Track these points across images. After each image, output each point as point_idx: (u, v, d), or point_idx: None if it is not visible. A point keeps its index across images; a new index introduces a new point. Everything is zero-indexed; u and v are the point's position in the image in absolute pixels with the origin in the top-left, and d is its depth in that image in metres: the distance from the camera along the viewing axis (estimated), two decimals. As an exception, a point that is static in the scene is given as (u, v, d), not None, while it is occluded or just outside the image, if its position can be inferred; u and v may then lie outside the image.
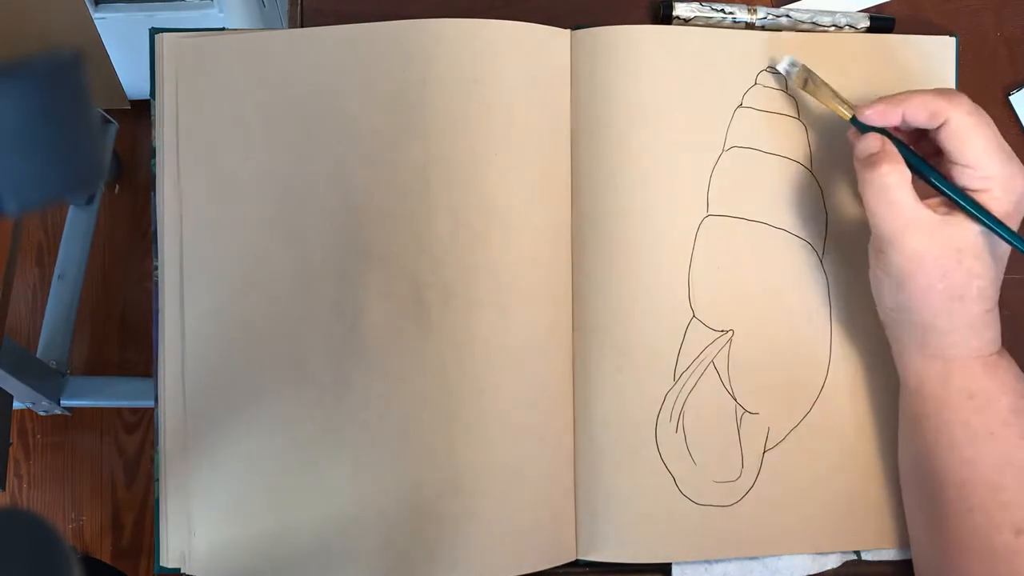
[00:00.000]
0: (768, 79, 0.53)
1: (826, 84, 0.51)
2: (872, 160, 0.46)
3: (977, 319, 0.47)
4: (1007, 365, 0.48)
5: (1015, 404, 0.47)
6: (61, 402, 1.19)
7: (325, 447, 0.51)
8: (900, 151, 0.47)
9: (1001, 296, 0.47)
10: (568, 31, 0.53)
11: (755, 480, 0.52)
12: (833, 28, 0.55)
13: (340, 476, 0.51)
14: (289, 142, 0.52)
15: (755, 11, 0.55)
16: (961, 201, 0.46)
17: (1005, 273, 0.47)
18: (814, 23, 0.55)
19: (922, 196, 0.46)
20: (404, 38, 0.51)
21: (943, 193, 0.46)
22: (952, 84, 0.55)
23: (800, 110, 0.54)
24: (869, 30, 0.55)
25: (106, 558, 1.33)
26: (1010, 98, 0.57)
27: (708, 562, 0.52)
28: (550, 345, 0.52)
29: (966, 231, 0.45)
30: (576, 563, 0.52)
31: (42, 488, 1.35)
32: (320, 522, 0.51)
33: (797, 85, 0.52)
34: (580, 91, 0.53)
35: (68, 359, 1.23)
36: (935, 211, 0.46)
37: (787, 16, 0.55)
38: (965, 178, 0.46)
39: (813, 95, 0.51)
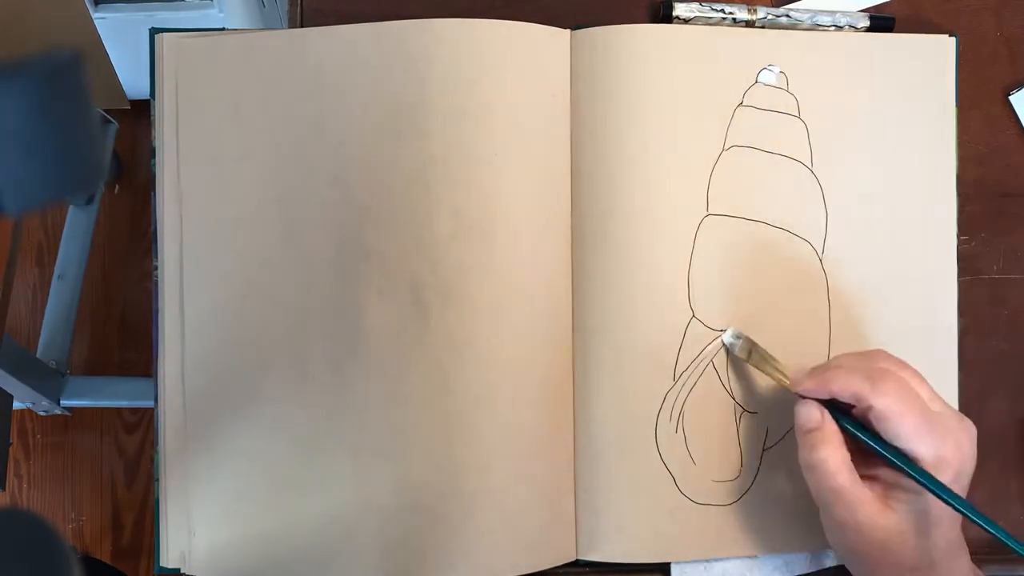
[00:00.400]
0: (768, 78, 0.53)
1: (769, 357, 0.50)
2: (810, 441, 0.46)
3: None
4: None
5: None
6: (61, 402, 1.19)
7: (325, 447, 0.51)
8: (842, 422, 0.46)
9: (1001, 296, 0.47)
10: (568, 31, 0.53)
11: (754, 479, 0.52)
12: (833, 28, 0.55)
13: (340, 476, 0.51)
14: (289, 142, 0.52)
15: (755, 11, 0.55)
16: (911, 472, 0.44)
17: (1005, 273, 0.47)
18: (814, 22, 0.55)
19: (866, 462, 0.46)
20: (404, 38, 0.51)
21: (890, 462, 0.45)
22: (952, 84, 0.55)
23: (801, 109, 0.54)
24: (869, 30, 0.55)
25: (106, 558, 1.33)
26: (1010, 98, 0.57)
27: (707, 561, 0.52)
28: (550, 345, 0.52)
29: (909, 513, 0.45)
30: (576, 563, 0.52)
31: (42, 488, 1.35)
32: (320, 522, 0.51)
33: (741, 356, 0.51)
34: (580, 91, 0.53)
35: (68, 359, 1.23)
36: (874, 489, 0.45)
37: (787, 16, 0.55)
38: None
39: (756, 366, 0.51)
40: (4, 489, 1.18)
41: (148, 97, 0.53)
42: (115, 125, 1.28)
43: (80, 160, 0.31)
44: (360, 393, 0.51)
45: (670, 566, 0.52)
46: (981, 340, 0.51)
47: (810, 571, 0.53)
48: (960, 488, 0.45)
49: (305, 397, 0.51)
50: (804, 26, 0.55)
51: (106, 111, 1.25)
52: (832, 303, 0.53)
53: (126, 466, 1.36)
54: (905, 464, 0.44)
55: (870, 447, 0.46)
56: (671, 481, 0.52)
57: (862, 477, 0.46)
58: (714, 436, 0.52)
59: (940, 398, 0.46)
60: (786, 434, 0.53)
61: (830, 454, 0.45)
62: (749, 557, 0.53)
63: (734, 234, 0.53)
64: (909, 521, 0.45)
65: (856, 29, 0.55)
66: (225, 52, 0.53)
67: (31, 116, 0.29)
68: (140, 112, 0.57)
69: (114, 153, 1.35)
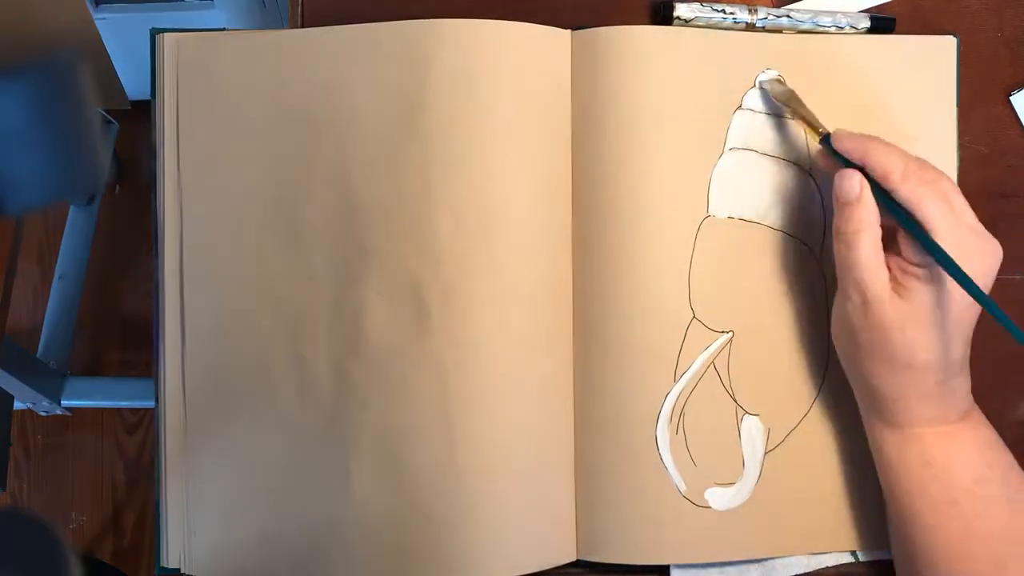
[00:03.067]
0: (767, 81, 0.53)
1: (803, 105, 0.51)
2: (848, 214, 0.46)
3: (929, 389, 0.46)
4: (971, 433, 0.47)
5: (979, 473, 0.47)
6: (61, 402, 1.19)
7: (325, 447, 0.51)
8: (876, 193, 0.46)
9: (1001, 296, 0.47)
10: (568, 31, 0.53)
11: (756, 482, 0.52)
12: (834, 28, 0.55)
13: (340, 476, 0.51)
14: (289, 142, 0.52)
15: (756, 11, 0.55)
16: (937, 255, 0.44)
17: (1005, 273, 0.47)
18: (815, 23, 0.55)
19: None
20: (404, 38, 0.51)
21: (917, 242, 0.45)
22: (953, 84, 0.55)
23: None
24: (870, 30, 0.55)
25: (107, 558, 1.33)
26: (1011, 98, 0.57)
27: (707, 566, 0.52)
28: (550, 345, 0.52)
29: (912, 303, 0.45)
30: (576, 563, 0.52)
31: (42, 488, 1.35)
32: (320, 522, 0.51)
33: (780, 99, 0.52)
34: (580, 91, 0.52)
35: (68, 359, 1.23)
36: (892, 279, 0.46)
37: (787, 16, 0.55)
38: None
39: (792, 107, 0.51)
40: (4, 489, 1.18)
41: (148, 97, 0.53)
42: (115, 125, 1.28)
43: (81, 160, 0.31)
44: (360, 393, 0.51)
45: (669, 568, 0.52)
46: (981, 340, 0.51)
47: (807, 571, 0.53)
48: (968, 299, 0.45)
49: (305, 397, 0.51)
50: (805, 27, 0.55)
51: (106, 111, 1.25)
52: (830, 304, 0.53)
53: (126, 466, 1.36)
54: (926, 240, 0.44)
55: (897, 218, 0.45)
56: (671, 483, 0.51)
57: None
58: (715, 438, 0.52)
59: (971, 213, 0.46)
60: (787, 437, 0.53)
61: (866, 229, 0.45)
62: (748, 561, 0.53)
63: (734, 236, 0.53)
64: (916, 310, 0.45)
65: (857, 30, 0.55)
66: (225, 52, 0.53)
67: (32, 116, 0.29)
68: (140, 112, 0.57)
69: (114, 153, 1.35)
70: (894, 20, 0.56)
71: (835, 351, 0.52)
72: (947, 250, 0.43)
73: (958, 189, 0.46)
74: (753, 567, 0.53)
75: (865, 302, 0.46)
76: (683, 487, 0.52)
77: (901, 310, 0.45)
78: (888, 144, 0.47)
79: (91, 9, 1.14)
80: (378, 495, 0.51)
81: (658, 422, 0.51)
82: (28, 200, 0.30)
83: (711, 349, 0.52)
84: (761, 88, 0.53)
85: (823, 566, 0.53)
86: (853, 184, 0.46)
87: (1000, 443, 0.48)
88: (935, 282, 0.45)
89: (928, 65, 0.55)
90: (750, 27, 0.55)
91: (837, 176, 0.47)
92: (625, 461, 0.51)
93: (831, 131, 0.49)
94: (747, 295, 0.53)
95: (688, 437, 0.52)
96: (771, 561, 0.53)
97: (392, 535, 0.51)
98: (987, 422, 0.49)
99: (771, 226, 0.53)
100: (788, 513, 0.52)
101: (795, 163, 0.54)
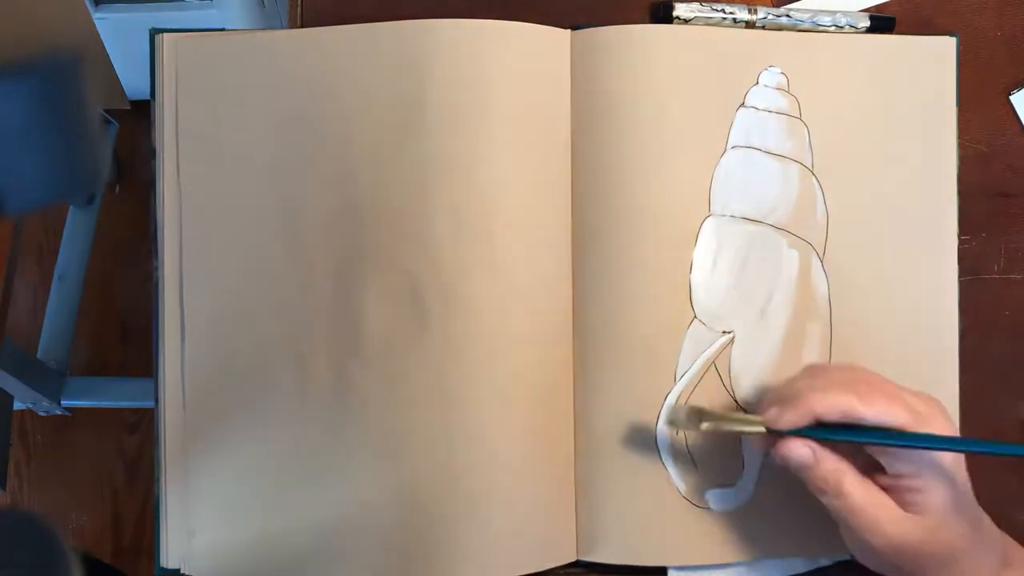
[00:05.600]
0: (769, 79, 0.53)
1: (724, 415, 0.49)
2: (818, 478, 0.44)
3: (973, 561, 0.45)
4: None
5: None
6: (62, 402, 1.19)
7: (325, 447, 0.51)
8: (827, 437, 0.45)
9: (1002, 296, 0.47)
10: (568, 31, 0.53)
11: (755, 483, 0.52)
12: (833, 28, 0.55)
13: (340, 476, 0.51)
14: (289, 142, 0.52)
15: (755, 11, 0.55)
16: (909, 442, 0.43)
17: (1006, 273, 0.47)
18: (814, 23, 0.55)
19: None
20: (404, 38, 0.51)
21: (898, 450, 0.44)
22: (953, 84, 0.55)
23: (802, 110, 0.54)
24: (869, 30, 0.55)
25: (107, 558, 1.33)
26: (1011, 98, 0.57)
27: (704, 567, 0.52)
28: (550, 345, 0.52)
29: (930, 512, 0.44)
30: (576, 563, 0.52)
31: (43, 489, 1.35)
32: (320, 522, 0.51)
33: (691, 428, 0.49)
34: (580, 91, 0.52)
35: (68, 359, 1.23)
36: (896, 499, 0.44)
37: (787, 16, 0.55)
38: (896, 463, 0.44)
39: (717, 429, 0.47)
40: (4, 489, 1.18)
41: (148, 97, 0.53)
42: (115, 125, 1.28)
43: (80, 160, 0.31)
44: (360, 393, 0.51)
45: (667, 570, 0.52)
46: (982, 340, 0.51)
47: (808, 570, 0.53)
48: (964, 467, 0.44)
49: (305, 397, 0.51)
50: (804, 26, 0.55)
51: (106, 111, 1.25)
52: (833, 304, 0.53)
53: (127, 466, 1.35)
54: (898, 437, 0.43)
55: (867, 442, 0.44)
56: (672, 484, 0.51)
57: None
58: (715, 438, 0.52)
59: (906, 388, 0.45)
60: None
61: (842, 478, 0.44)
62: (747, 563, 0.53)
63: (736, 235, 0.53)
64: (937, 515, 0.44)
65: (856, 29, 0.55)
66: (225, 52, 0.53)
67: (32, 116, 0.29)
68: (140, 112, 0.57)
69: (114, 154, 1.35)
70: (894, 20, 0.56)
71: (835, 351, 0.53)
72: (917, 430, 0.43)
73: (867, 370, 0.46)
74: (753, 568, 0.53)
75: (887, 538, 0.44)
76: (683, 488, 0.52)
77: (924, 524, 0.44)
78: (820, 387, 0.45)
79: (91, 9, 1.14)
80: (378, 495, 0.51)
81: (658, 423, 0.51)
82: (27, 200, 0.30)
83: (712, 350, 0.52)
84: (670, 422, 0.51)
85: (819, 564, 0.53)
86: (802, 452, 0.44)
87: None
88: (935, 474, 0.44)
89: (928, 65, 0.55)
90: (750, 26, 0.55)
91: (781, 449, 0.45)
92: (625, 462, 0.51)
93: (764, 423, 0.46)
94: (748, 295, 0.53)
95: (689, 438, 0.52)
96: (772, 563, 0.53)
97: (392, 535, 0.51)
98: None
99: (773, 225, 0.53)
100: (788, 515, 0.52)
101: (798, 161, 0.54)
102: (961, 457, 0.45)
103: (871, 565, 0.47)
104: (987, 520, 0.47)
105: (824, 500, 0.45)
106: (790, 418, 0.45)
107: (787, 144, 0.53)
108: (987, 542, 0.46)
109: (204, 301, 0.52)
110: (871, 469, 0.45)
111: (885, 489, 0.45)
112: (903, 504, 0.44)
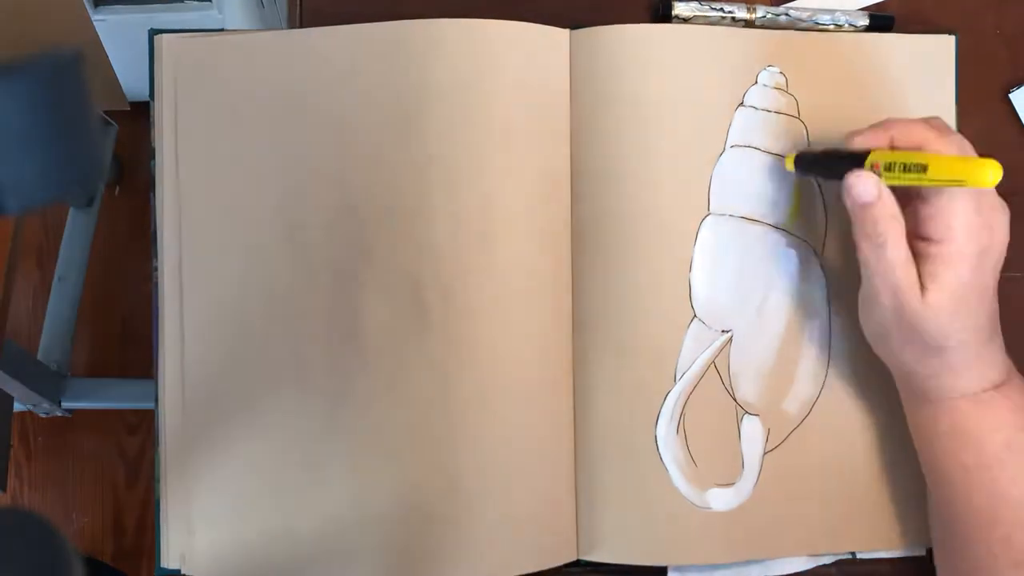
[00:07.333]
0: (768, 78, 0.53)
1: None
2: (871, 215, 0.45)
3: (961, 363, 0.46)
4: (1002, 400, 0.47)
5: (1010, 439, 0.47)
6: (62, 404, 1.19)
7: (325, 447, 0.51)
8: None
9: (1002, 294, 0.47)
10: (567, 31, 0.53)
11: (755, 482, 0.52)
12: (832, 27, 0.55)
13: (340, 476, 0.51)
14: (288, 143, 0.52)
15: (754, 10, 0.55)
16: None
17: (1006, 271, 0.47)
18: (813, 21, 0.55)
19: None
20: (404, 38, 0.51)
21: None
22: (952, 82, 0.55)
23: (800, 110, 0.54)
24: (868, 28, 0.55)
25: (108, 560, 1.33)
26: (1010, 96, 0.57)
27: (705, 567, 0.52)
28: (550, 345, 0.52)
29: (940, 292, 0.44)
30: (576, 563, 0.52)
31: (43, 490, 1.35)
32: (320, 522, 0.51)
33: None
34: (580, 91, 0.52)
35: (69, 361, 1.23)
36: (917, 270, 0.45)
37: (786, 15, 0.55)
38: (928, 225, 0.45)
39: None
40: (5, 491, 1.18)
41: (148, 98, 0.53)
42: (115, 127, 1.28)
43: (80, 160, 0.31)
44: (360, 394, 0.51)
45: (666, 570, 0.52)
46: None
47: (806, 568, 0.53)
48: (986, 267, 0.45)
49: (305, 398, 0.51)
50: (804, 25, 0.55)
51: (106, 112, 1.25)
52: (832, 303, 0.53)
53: (127, 468, 1.35)
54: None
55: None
56: (672, 483, 0.51)
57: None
58: (715, 438, 0.52)
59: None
60: (787, 437, 0.53)
61: (893, 228, 0.45)
62: (747, 563, 0.53)
63: (735, 234, 0.53)
64: (944, 298, 0.44)
65: (856, 28, 0.55)
66: (225, 52, 0.53)
67: (31, 116, 0.29)
68: (140, 113, 0.57)
69: (114, 155, 1.35)
70: (893, 18, 0.56)
71: (835, 352, 0.53)
72: (966, 217, 0.44)
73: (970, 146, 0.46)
74: (753, 567, 0.53)
75: (898, 302, 0.45)
76: (683, 487, 0.52)
77: (931, 303, 0.45)
78: (904, 118, 0.46)
79: (90, 10, 1.14)
80: (378, 495, 0.51)
81: (658, 422, 0.51)
82: (26, 200, 0.30)
83: (711, 349, 0.52)
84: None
85: (821, 563, 0.53)
86: (868, 185, 0.45)
87: None
88: (956, 262, 0.44)
89: (927, 63, 0.55)
90: (749, 25, 0.55)
91: (849, 180, 0.45)
92: (625, 461, 0.51)
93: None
94: (747, 294, 0.53)
95: (689, 437, 0.52)
96: (771, 562, 0.53)
97: (392, 535, 0.51)
98: None
99: (771, 224, 0.53)
100: (788, 514, 0.52)
101: (795, 161, 0.54)
102: (994, 252, 0.45)
103: (871, 326, 0.48)
104: (999, 347, 0.48)
105: (865, 246, 0.46)
106: (865, 134, 0.46)
107: (785, 143, 0.53)
108: (987, 357, 0.47)
109: (204, 301, 0.52)
110: (911, 237, 0.46)
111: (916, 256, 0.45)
112: (922, 278, 0.45)
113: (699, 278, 0.52)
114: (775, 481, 0.52)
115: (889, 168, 0.44)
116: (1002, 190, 0.56)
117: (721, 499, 0.52)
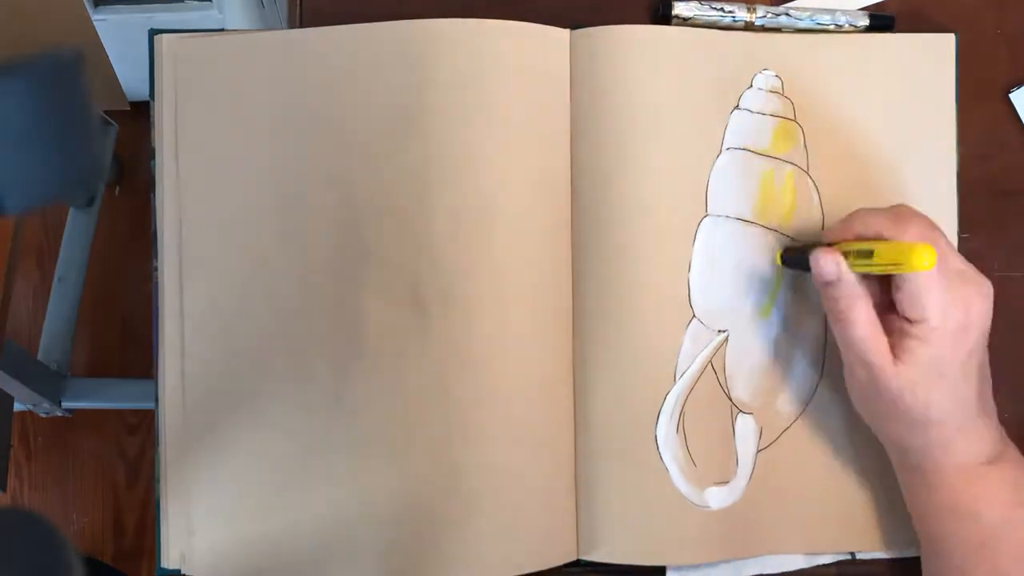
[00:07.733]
0: (764, 82, 0.53)
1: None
2: (832, 293, 0.46)
3: (950, 436, 0.46)
4: (999, 475, 0.47)
5: (1007, 515, 0.46)
6: (62, 404, 1.19)
7: (325, 447, 0.51)
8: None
9: (1002, 294, 0.47)
10: (568, 31, 0.53)
11: (749, 481, 0.52)
12: (833, 27, 0.55)
13: (340, 476, 0.51)
14: (289, 142, 0.52)
15: (754, 10, 0.55)
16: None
17: (1006, 271, 0.47)
18: (813, 22, 0.55)
19: None
20: (404, 38, 0.51)
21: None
22: (952, 82, 0.55)
23: (797, 112, 0.54)
24: (869, 29, 0.55)
25: (108, 560, 1.33)
26: (1010, 96, 0.57)
27: (703, 565, 0.52)
28: (550, 345, 0.52)
29: (916, 365, 0.45)
30: (576, 563, 0.52)
31: (43, 490, 1.35)
32: (320, 523, 0.51)
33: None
34: (580, 91, 0.52)
35: (69, 361, 1.23)
36: (892, 344, 0.45)
37: (787, 15, 0.55)
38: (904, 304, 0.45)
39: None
40: (5, 491, 1.18)
41: (148, 98, 0.53)
42: (115, 127, 1.28)
43: (80, 159, 0.31)
44: (360, 393, 0.51)
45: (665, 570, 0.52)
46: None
47: (807, 568, 0.53)
48: (967, 343, 0.45)
49: (305, 397, 0.51)
50: (803, 25, 0.55)
51: (106, 112, 1.25)
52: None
53: (127, 468, 1.36)
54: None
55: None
56: (672, 483, 0.51)
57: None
58: (713, 437, 0.52)
59: (958, 254, 0.46)
60: (780, 436, 0.53)
61: (856, 304, 0.45)
62: (746, 562, 0.53)
63: (733, 235, 0.53)
64: (921, 371, 0.45)
65: (856, 27, 0.55)
66: (225, 53, 0.53)
67: (32, 115, 0.29)
68: (140, 113, 0.57)
69: (114, 155, 1.35)
70: (893, 18, 0.56)
71: (831, 353, 0.53)
72: (935, 295, 0.44)
73: (940, 230, 0.46)
74: (751, 566, 0.53)
75: (872, 375, 0.46)
76: (683, 487, 0.52)
77: (907, 375, 0.45)
78: (867, 209, 0.47)
79: (90, 10, 1.14)
80: (378, 495, 0.51)
81: (658, 422, 0.51)
82: (26, 200, 0.30)
83: (709, 348, 0.52)
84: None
85: (820, 563, 0.53)
86: (829, 264, 0.46)
87: None
88: (932, 339, 0.44)
89: (927, 63, 0.55)
90: (749, 25, 0.55)
91: (812, 259, 0.47)
92: (625, 461, 0.51)
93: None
94: (744, 294, 0.53)
95: (688, 437, 0.52)
96: (769, 561, 0.53)
97: (392, 535, 0.51)
98: (1021, 461, 0.48)
99: (768, 226, 0.53)
100: (783, 513, 0.52)
101: (791, 163, 0.54)
102: (973, 329, 0.45)
103: (856, 399, 0.49)
104: (992, 421, 0.48)
105: (831, 320, 0.47)
106: (833, 229, 0.48)
107: (781, 147, 0.53)
108: (976, 432, 0.47)
109: (204, 301, 0.52)
110: (886, 310, 0.46)
111: (891, 333, 0.46)
112: (897, 351, 0.45)
113: (698, 278, 0.52)
114: (767, 480, 0.52)
115: (846, 256, 0.46)
116: (1002, 190, 0.56)
117: (717, 497, 0.52)
